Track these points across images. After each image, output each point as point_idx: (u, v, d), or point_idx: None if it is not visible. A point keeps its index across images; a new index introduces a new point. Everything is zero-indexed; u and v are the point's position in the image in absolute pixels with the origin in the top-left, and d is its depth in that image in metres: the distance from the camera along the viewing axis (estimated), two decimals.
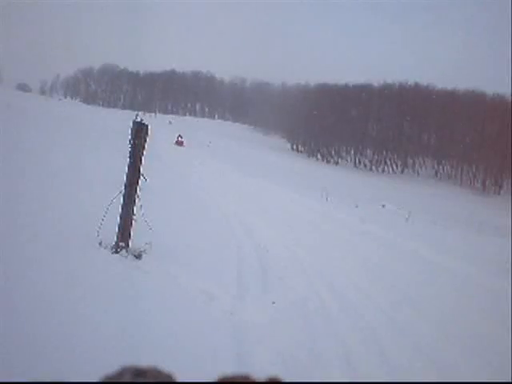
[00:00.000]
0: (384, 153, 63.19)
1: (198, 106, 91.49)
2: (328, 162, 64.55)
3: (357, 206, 18.68)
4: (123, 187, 4.28)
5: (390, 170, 62.49)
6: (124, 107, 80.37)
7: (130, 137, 4.25)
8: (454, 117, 56.20)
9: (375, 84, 66.53)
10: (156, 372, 0.49)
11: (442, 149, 59.48)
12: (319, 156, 66.44)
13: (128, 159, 4.26)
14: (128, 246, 4.22)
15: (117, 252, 4.12)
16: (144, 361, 0.55)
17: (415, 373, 3.34)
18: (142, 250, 4.25)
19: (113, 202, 4.29)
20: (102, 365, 2.21)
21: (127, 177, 4.27)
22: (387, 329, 4.13)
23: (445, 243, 9.90)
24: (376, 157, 63.67)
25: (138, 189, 4.31)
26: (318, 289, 4.97)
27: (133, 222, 4.30)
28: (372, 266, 6.68)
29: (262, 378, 0.50)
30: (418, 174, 60.50)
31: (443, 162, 59.88)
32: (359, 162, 64.43)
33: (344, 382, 2.99)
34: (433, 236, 11.18)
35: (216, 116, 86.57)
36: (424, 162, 61.87)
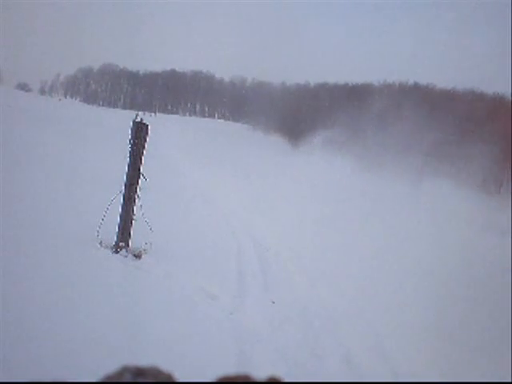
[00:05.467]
0: (384, 152, 63.11)
1: (198, 106, 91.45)
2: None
3: (357, 206, 18.64)
4: (123, 187, 4.29)
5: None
6: (124, 107, 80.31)
7: (130, 136, 4.25)
8: (453, 116, 56.10)
9: (375, 84, 66.46)
10: (156, 372, 0.49)
11: (441, 148, 59.40)
12: None
13: (128, 159, 4.26)
14: (128, 245, 4.23)
15: (117, 252, 4.13)
16: (144, 360, 0.55)
17: (415, 373, 3.35)
18: (141, 249, 4.26)
19: (113, 202, 4.29)
20: (102, 364, 2.21)
21: (127, 177, 4.27)
22: (388, 329, 4.13)
23: (444, 242, 9.90)
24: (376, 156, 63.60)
25: (137, 189, 4.31)
26: (318, 287, 4.98)
27: (133, 221, 4.30)
28: (372, 264, 6.67)
29: (262, 377, 0.50)
30: (418, 173, 60.39)
31: (443, 161, 59.81)
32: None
33: (344, 382, 2.99)
34: (432, 235, 11.17)
35: (216, 115, 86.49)
36: (424, 161, 61.77)
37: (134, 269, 3.92)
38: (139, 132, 4.23)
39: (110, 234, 4.18)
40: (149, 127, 4.33)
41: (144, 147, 4.28)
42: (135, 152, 4.22)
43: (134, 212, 4.32)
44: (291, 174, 21.40)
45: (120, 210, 4.27)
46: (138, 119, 4.29)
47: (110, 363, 0.59)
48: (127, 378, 0.47)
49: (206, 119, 77.36)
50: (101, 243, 4.16)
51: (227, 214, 8.78)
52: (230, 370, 0.60)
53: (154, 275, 3.91)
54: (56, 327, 2.55)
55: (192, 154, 21.11)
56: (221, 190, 11.74)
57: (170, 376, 0.50)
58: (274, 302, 4.21)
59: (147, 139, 4.32)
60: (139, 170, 4.27)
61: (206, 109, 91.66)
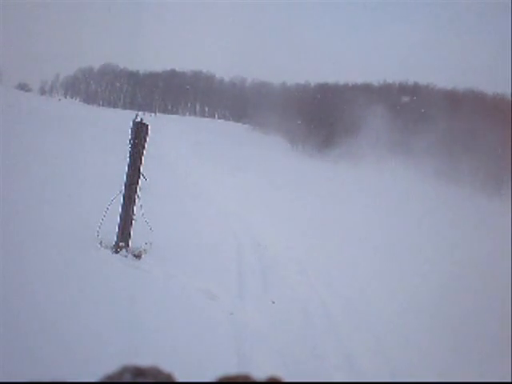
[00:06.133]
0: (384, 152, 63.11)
1: (198, 106, 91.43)
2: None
3: (358, 206, 18.63)
4: (123, 187, 4.29)
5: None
6: (124, 107, 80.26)
7: (130, 137, 4.25)
8: (453, 116, 56.01)
9: (375, 84, 66.43)
10: (156, 372, 0.49)
11: (442, 148, 59.32)
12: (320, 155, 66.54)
13: (128, 159, 4.26)
14: (128, 245, 4.22)
15: (117, 252, 4.13)
16: (144, 360, 0.55)
17: (415, 373, 3.35)
18: (141, 249, 4.26)
19: (113, 202, 4.29)
20: (102, 364, 2.21)
21: (127, 177, 4.28)
22: (388, 329, 4.13)
23: (444, 242, 9.90)
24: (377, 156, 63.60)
25: (138, 189, 4.31)
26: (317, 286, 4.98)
27: (133, 221, 4.30)
28: (372, 264, 6.68)
29: (262, 377, 0.50)
30: (418, 173, 60.35)
31: (443, 161, 59.74)
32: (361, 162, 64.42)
33: (344, 382, 3.00)
34: (432, 235, 11.18)
35: (216, 116, 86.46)
36: (424, 161, 61.72)
37: (133, 269, 3.92)
38: (139, 132, 4.23)
39: (110, 234, 4.18)
40: (149, 127, 4.33)
41: (144, 147, 4.28)
42: (135, 152, 4.22)
43: (134, 212, 4.32)
44: (291, 174, 21.37)
45: (120, 210, 4.27)
46: (138, 119, 4.29)
47: (110, 363, 0.59)
48: (127, 377, 0.47)
49: (206, 119, 77.22)
50: (101, 243, 4.16)
51: (227, 214, 8.78)
52: (230, 370, 0.60)
53: (154, 275, 3.92)
54: (56, 327, 2.55)
55: (192, 155, 21.13)
56: (221, 191, 11.73)
57: (169, 376, 0.50)
58: (273, 302, 4.21)
59: (147, 139, 4.32)
60: (139, 169, 4.27)
61: (206, 109, 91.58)
